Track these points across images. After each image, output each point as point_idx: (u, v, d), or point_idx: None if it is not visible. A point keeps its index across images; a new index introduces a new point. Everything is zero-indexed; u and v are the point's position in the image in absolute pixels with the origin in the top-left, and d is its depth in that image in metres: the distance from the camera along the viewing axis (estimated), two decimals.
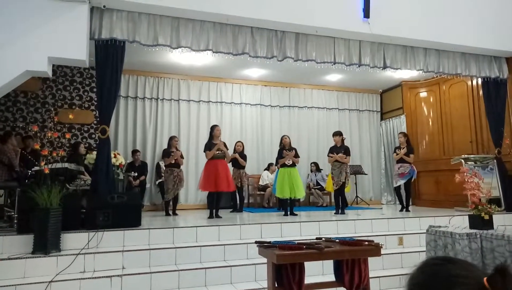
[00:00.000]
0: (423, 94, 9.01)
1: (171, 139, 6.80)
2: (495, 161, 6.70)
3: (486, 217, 3.94)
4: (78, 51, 4.58)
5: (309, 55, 5.71)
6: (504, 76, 6.79)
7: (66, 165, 4.93)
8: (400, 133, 7.39)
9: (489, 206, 4.00)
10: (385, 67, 6.14)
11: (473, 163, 6.78)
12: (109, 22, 4.83)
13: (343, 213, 6.42)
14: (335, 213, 6.45)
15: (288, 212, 6.26)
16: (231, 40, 5.36)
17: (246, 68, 8.15)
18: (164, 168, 6.73)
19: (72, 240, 4.07)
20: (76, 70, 7.73)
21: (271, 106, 9.26)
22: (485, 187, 4.37)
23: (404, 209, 6.83)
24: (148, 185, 7.86)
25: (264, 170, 8.65)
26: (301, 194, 6.45)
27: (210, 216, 5.85)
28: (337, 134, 6.87)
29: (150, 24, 5.03)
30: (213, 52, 5.34)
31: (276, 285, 2.76)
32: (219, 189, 5.97)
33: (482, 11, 6.33)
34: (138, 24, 4.96)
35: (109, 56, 4.87)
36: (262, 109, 9.18)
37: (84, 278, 3.62)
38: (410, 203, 6.85)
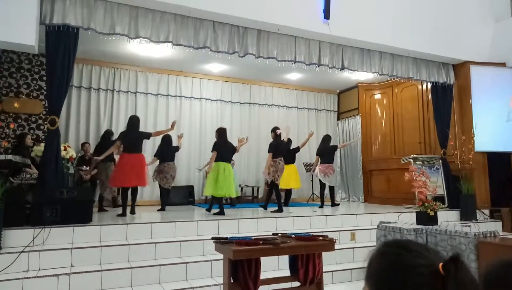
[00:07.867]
0: (377, 96, 9.39)
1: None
2: (440, 161, 7.13)
3: (432, 213, 4.19)
4: (27, 36, 4.29)
5: (270, 53, 5.75)
6: (451, 82, 7.25)
7: (10, 157, 4.62)
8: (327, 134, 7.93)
9: (434, 203, 4.26)
10: (343, 68, 6.32)
11: (421, 162, 7.17)
12: (62, 6, 4.55)
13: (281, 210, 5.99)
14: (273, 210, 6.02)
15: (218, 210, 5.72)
16: (192, 33, 5.26)
17: (207, 63, 8.04)
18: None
19: (15, 237, 3.81)
20: (24, 56, 7.21)
21: (232, 102, 9.22)
22: (431, 186, 4.65)
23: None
24: None
25: None
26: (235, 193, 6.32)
27: (123, 214, 5.40)
28: None
29: (106, 12, 4.81)
30: (173, 44, 5.21)
31: (232, 281, 2.76)
32: (129, 184, 5.54)
33: (434, 20, 6.69)
34: (93, 11, 4.72)
35: (61, 43, 4.59)
36: (223, 105, 9.11)
37: (27, 278, 3.40)
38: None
